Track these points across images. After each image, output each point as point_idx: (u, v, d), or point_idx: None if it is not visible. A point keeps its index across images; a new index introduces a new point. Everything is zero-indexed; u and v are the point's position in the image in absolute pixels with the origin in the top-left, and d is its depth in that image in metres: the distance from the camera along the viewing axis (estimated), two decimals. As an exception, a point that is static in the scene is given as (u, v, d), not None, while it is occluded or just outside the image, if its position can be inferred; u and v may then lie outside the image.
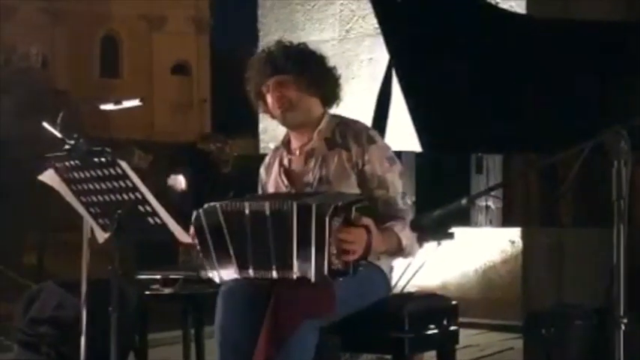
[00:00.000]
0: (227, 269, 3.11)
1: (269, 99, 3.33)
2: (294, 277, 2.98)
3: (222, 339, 3.07)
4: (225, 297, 3.10)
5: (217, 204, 3.10)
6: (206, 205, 3.12)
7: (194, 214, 3.11)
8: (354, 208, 3.00)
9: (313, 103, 3.35)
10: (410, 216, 3.24)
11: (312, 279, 2.96)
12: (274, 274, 3.03)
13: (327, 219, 2.92)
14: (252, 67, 3.39)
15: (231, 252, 3.08)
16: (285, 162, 3.41)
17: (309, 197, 3.07)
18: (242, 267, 3.08)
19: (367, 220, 3.03)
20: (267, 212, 3.01)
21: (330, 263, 2.94)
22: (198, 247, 3.14)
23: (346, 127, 3.33)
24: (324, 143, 3.32)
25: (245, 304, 3.06)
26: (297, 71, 3.29)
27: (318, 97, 3.35)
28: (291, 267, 2.99)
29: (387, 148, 3.34)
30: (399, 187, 3.27)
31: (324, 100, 3.38)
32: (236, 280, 3.11)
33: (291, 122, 3.36)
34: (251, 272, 3.07)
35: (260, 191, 3.51)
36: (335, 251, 2.94)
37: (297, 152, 3.38)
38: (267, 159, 3.53)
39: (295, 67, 3.28)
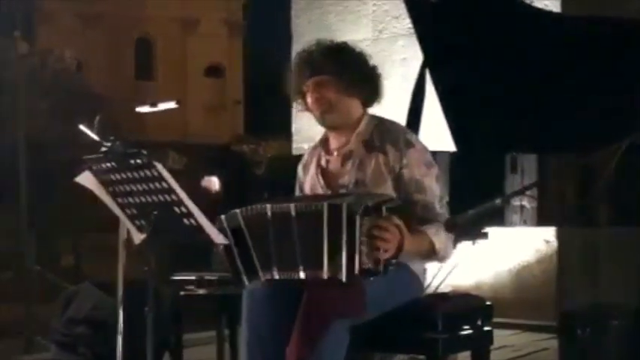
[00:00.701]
0: (251, 272, 3.13)
1: (309, 99, 3.33)
2: (325, 277, 2.99)
3: (249, 337, 3.09)
4: (250, 296, 3.13)
5: (238, 210, 3.12)
6: (231, 212, 3.14)
7: (217, 220, 3.14)
8: (384, 208, 3.00)
9: (353, 104, 3.34)
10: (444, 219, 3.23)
11: (343, 279, 2.96)
12: (301, 274, 3.04)
13: (357, 218, 2.92)
14: (294, 65, 3.38)
15: (254, 255, 3.11)
16: (323, 162, 3.41)
17: (339, 197, 3.07)
18: (266, 269, 3.10)
19: (397, 221, 3.02)
20: (293, 213, 3.02)
21: (361, 262, 2.94)
22: (221, 252, 3.17)
23: (385, 129, 3.32)
24: (362, 146, 3.31)
25: (269, 302, 3.08)
26: (337, 72, 3.27)
27: (357, 97, 3.34)
28: (321, 267, 2.98)
29: (425, 151, 3.31)
30: (437, 191, 3.26)
31: (363, 101, 3.36)
32: (260, 281, 3.13)
33: (330, 123, 3.36)
34: (275, 274, 3.08)
35: (297, 189, 3.52)
36: (366, 250, 2.94)
37: (335, 153, 3.38)
38: (304, 157, 3.53)
39: (334, 68, 3.27)
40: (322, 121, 3.36)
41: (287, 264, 3.06)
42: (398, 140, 3.26)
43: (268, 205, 3.08)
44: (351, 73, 3.29)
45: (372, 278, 3.00)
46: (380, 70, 3.40)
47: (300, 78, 3.34)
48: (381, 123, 3.36)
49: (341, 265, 2.95)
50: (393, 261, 3.03)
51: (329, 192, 3.34)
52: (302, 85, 3.34)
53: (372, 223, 2.95)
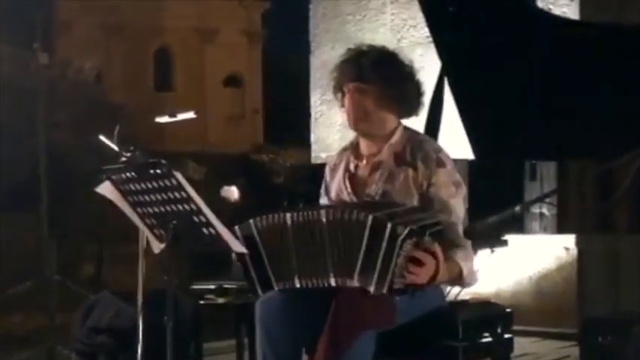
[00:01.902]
0: (265, 282, 3.14)
1: (346, 100, 3.31)
2: (354, 284, 2.98)
3: (264, 347, 3.11)
4: (263, 306, 3.15)
5: (251, 220, 3.12)
6: (245, 222, 3.15)
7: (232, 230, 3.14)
8: (427, 233, 2.97)
9: (388, 116, 3.32)
10: (469, 243, 3.22)
11: (372, 292, 2.95)
12: (332, 281, 3.03)
13: (399, 241, 2.90)
14: (340, 61, 3.35)
15: (267, 265, 3.11)
16: (351, 167, 3.40)
17: (383, 210, 3.03)
18: (281, 278, 3.10)
19: (437, 248, 3.00)
20: (324, 220, 3.00)
21: (391, 282, 2.93)
22: (237, 262, 3.18)
23: (417, 145, 3.29)
24: (393, 158, 3.29)
25: (283, 311, 3.10)
26: (382, 84, 3.25)
27: (394, 112, 3.32)
28: (352, 275, 2.98)
29: (455, 172, 3.29)
30: (461, 213, 3.25)
31: (400, 114, 3.35)
32: (273, 291, 3.14)
33: (362, 131, 3.35)
34: (297, 282, 3.08)
35: (323, 190, 3.51)
36: (398, 273, 2.93)
37: (365, 160, 3.37)
38: (332, 160, 3.51)
39: (380, 80, 3.25)
40: (355, 127, 3.34)
41: (312, 271, 3.05)
42: (430, 158, 3.25)
43: (288, 214, 3.08)
44: (396, 88, 3.27)
45: (398, 298, 3.00)
46: (423, 86, 3.37)
47: (344, 77, 3.31)
48: (414, 137, 3.34)
49: (372, 280, 2.95)
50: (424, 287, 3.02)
51: (354, 198, 3.32)
52: (343, 83, 3.31)
53: (413, 248, 2.92)
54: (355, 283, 2.98)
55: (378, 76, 3.24)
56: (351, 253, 2.97)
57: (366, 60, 3.27)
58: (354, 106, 3.27)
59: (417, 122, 5.00)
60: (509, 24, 4.81)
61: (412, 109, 3.34)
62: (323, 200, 3.49)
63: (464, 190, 3.28)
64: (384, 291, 2.94)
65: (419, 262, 2.95)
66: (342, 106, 3.37)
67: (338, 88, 3.36)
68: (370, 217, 2.94)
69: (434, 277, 3.01)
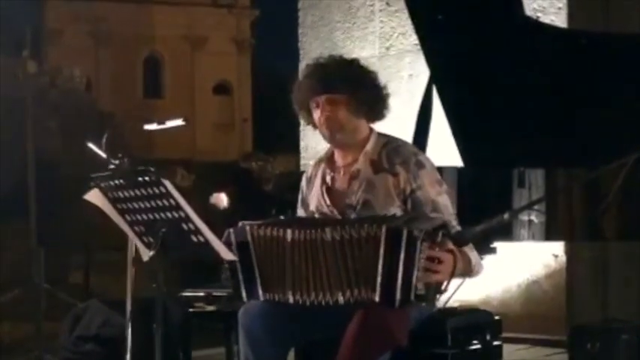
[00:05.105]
0: (251, 290, 3.14)
1: (316, 114, 3.29)
2: (376, 300, 2.95)
3: (248, 354, 3.11)
4: (246, 315, 3.15)
5: (247, 227, 3.11)
6: (240, 226, 3.14)
7: (225, 232, 3.13)
8: (440, 233, 2.97)
9: (360, 123, 3.30)
10: None
11: (397, 304, 2.92)
12: (340, 299, 3.00)
13: (417, 245, 2.89)
14: (303, 77, 3.34)
15: (257, 274, 3.11)
16: (328, 179, 3.36)
17: (393, 219, 3.01)
18: (271, 290, 3.09)
19: (452, 246, 3.01)
20: (329, 237, 2.98)
21: (415, 289, 2.92)
22: (226, 265, 3.17)
23: (394, 150, 3.27)
24: (370, 166, 3.26)
25: (266, 321, 3.10)
26: (350, 92, 3.23)
27: (365, 117, 3.30)
28: (373, 291, 2.95)
29: (435, 170, 3.29)
30: (451, 209, 3.25)
31: (370, 119, 3.33)
32: (256, 301, 3.15)
33: (339, 142, 3.31)
34: (290, 297, 3.06)
35: (300, 204, 3.48)
36: (420, 277, 2.91)
37: (342, 172, 3.33)
38: (308, 171, 3.48)
39: (349, 88, 3.23)
40: (331, 139, 3.30)
41: (312, 288, 3.02)
42: (409, 162, 3.23)
43: (289, 230, 3.04)
44: (364, 94, 3.25)
45: (424, 304, 3.00)
46: (388, 88, 3.38)
47: (310, 92, 3.28)
48: (389, 142, 3.31)
49: (395, 292, 2.92)
50: (444, 287, 3.03)
51: (335, 211, 3.29)
52: (310, 99, 3.29)
53: (429, 249, 2.93)
54: (377, 298, 2.94)
55: (346, 84, 3.23)
56: (365, 269, 2.95)
57: (331, 71, 3.26)
58: (329, 118, 3.25)
59: (406, 130, 5.03)
60: (497, 32, 4.82)
61: (382, 112, 3.32)
62: (300, 212, 3.46)
63: (446, 187, 3.29)
64: (412, 299, 2.91)
65: (438, 260, 2.95)
66: (309, 123, 3.36)
67: (303, 106, 3.33)
68: (384, 227, 2.92)
69: (453, 272, 3.02)
